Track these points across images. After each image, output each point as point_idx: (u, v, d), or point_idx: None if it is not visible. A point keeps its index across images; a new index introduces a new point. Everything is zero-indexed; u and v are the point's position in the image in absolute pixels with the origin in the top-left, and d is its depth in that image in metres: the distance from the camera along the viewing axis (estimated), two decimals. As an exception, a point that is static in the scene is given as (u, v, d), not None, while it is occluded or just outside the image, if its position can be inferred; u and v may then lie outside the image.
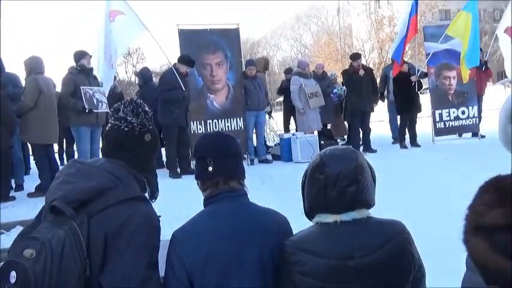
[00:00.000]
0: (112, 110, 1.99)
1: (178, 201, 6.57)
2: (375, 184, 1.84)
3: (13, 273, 1.57)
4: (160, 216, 1.88)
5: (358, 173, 1.73)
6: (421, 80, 9.92)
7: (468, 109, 10.05)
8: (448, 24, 10.31)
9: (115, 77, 10.75)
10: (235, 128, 8.54)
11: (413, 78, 9.44)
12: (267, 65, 10.51)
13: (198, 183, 1.99)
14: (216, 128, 8.39)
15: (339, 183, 1.72)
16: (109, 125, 1.98)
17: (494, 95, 17.60)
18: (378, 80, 11.43)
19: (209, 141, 2.01)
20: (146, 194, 1.99)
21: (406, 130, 9.70)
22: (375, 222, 1.76)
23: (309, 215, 1.84)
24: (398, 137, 10.07)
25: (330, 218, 1.74)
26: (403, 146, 9.56)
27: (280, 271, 1.81)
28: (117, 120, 1.94)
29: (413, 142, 9.65)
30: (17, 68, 7.22)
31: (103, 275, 1.69)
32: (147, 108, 1.99)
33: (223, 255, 1.78)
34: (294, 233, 1.91)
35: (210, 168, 1.90)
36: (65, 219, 1.68)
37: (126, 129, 1.92)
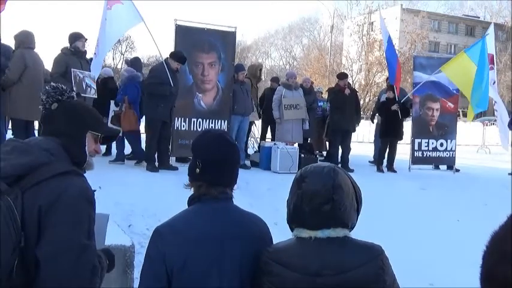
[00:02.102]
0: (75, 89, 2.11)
1: (150, 194, 6.56)
2: (359, 205, 1.85)
3: None
4: (95, 190, 1.92)
5: (334, 192, 1.73)
6: (410, 109, 10.10)
7: (447, 142, 10.24)
8: (438, 56, 10.57)
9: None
10: (219, 130, 8.54)
11: (393, 107, 9.62)
12: (260, 74, 10.42)
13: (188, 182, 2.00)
14: (199, 128, 8.36)
15: (313, 200, 1.73)
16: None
17: (471, 131, 17.95)
18: (362, 102, 11.62)
19: (205, 142, 1.98)
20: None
21: (386, 155, 9.84)
22: (352, 243, 1.77)
23: (290, 226, 1.86)
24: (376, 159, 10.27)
25: (305, 233, 1.76)
26: (380, 170, 9.69)
27: (254, 279, 1.83)
28: (41, 105, 2.05)
29: (390, 167, 9.79)
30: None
31: (38, 246, 1.71)
32: (56, 85, 2.07)
33: (204, 254, 1.79)
34: (272, 238, 1.95)
35: (198, 170, 1.91)
36: None
37: (40, 107, 2.04)
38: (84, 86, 6.83)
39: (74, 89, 6.67)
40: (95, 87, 7.03)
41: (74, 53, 6.90)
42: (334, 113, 9.78)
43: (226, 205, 1.92)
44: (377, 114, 11.09)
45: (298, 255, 1.75)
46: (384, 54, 11.17)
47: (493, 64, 10.24)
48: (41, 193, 1.75)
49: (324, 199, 1.72)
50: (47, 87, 2.08)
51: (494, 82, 9.96)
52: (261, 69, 10.66)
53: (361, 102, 19.33)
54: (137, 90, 8.20)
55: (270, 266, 1.77)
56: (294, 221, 1.82)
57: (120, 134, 7.63)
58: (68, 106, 2.05)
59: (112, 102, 8.15)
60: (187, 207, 1.95)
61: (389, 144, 9.81)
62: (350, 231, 1.80)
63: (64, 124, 2.00)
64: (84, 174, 1.98)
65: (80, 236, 1.76)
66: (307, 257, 1.73)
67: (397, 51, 34.76)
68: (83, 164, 2.03)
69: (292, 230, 1.84)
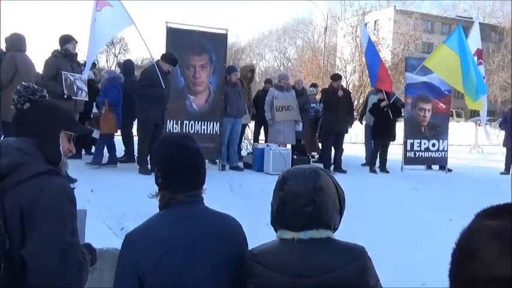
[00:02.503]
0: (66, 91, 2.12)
1: (143, 197, 6.53)
2: (342, 207, 1.85)
3: None
4: (74, 188, 1.94)
5: (316, 194, 1.74)
6: (402, 109, 10.13)
7: (439, 142, 10.28)
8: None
9: (95, 65, 10.65)
10: (211, 132, 8.54)
11: (383, 104, 9.67)
12: (252, 75, 10.37)
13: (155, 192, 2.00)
14: (192, 130, 8.35)
15: (296, 202, 1.74)
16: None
17: (464, 131, 18.04)
18: (355, 103, 11.66)
19: (162, 151, 1.95)
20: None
21: (378, 155, 9.87)
22: (334, 244, 1.78)
23: (274, 228, 1.87)
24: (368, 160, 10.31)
25: (288, 235, 1.77)
26: (373, 171, 9.72)
27: (239, 282, 1.83)
28: (12, 105, 2.06)
29: (383, 168, 9.82)
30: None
31: (24, 248, 1.73)
32: (28, 84, 2.09)
33: (174, 258, 1.79)
34: (247, 240, 1.96)
35: (160, 180, 1.91)
36: None
37: (12, 107, 2.05)
38: (75, 89, 6.81)
39: (65, 91, 6.66)
40: (86, 90, 7.01)
41: (65, 56, 6.87)
42: (327, 114, 9.80)
43: (195, 208, 1.91)
44: (365, 115, 11.14)
45: (281, 256, 1.76)
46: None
47: (482, 59, 10.27)
48: (21, 194, 1.76)
49: (305, 201, 1.74)
50: (18, 87, 2.09)
51: (484, 78, 10.00)
52: (252, 70, 10.58)
53: (355, 103, 19.37)
54: (118, 92, 8.16)
55: (254, 268, 1.78)
56: (277, 222, 1.83)
57: (97, 136, 7.64)
58: (40, 105, 2.06)
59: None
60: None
61: (381, 144, 9.84)
62: (333, 232, 1.81)
63: (37, 124, 2.01)
64: (78, 178, 1.99)
65: (63, 234, 1.78)
66: (290, 258, 1.74)
67: (390, 52, 34.90)
68: (58, 163, 2.03)
69: (276, 231, 1.85)
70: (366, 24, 40.16)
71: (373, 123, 10.03)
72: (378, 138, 9.82)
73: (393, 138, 10.02)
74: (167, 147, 1.96)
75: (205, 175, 1.98)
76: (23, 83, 2.10)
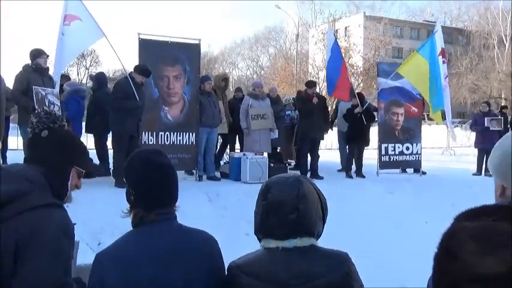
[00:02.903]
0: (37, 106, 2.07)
1: (120, 211, 6.46)
2: (324, 214, 1.86)
3: None
4: (75, 224, 1.88)
5: (299, 201, 1.75)
6: (375, 114, 10.26)
7: (412, 145, 10.44)
8: (400, 62, 10.85)
9: (69, 78, 10.50)
10: (187, 143, 8.50)
11: (356, 110, 9.77)
12: (226, 84, 10.30)
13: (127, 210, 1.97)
14: (167, 141, 8.30)
15: (279, 210, 1.75)
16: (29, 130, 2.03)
17: (435, 134, 18.35)
18: (329, 109, 11.76)
19: (133, 167, 1.93)
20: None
21: (353, 160, 9.97)
22: (318, 251, 1.79)
23: (257, 237, 1.87)
24: (344, 166, 10.40)
25: (272, 244, 1.77)
26: (349, 176, 9.80)
27: None
28: (30, 127, 2.01)
29: (359, 173, 9.92)
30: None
31: (14, 280, 1.67)
32: (51, 110, 2.04)
33: (144, 277, 1.75)
34: (227, 249, 1.95)
35: (132, 198, 1.89)
36: None
37: (29, 129, 1.99)
38: (46, 103, 6.71)
39: (36, 106, 6.56)
40: (59, 104, 6.92)
41: (36, 70, 6.78)
42: (302, 121, 9.86)
43: (167, 225, 1.88)
44: (335, 121, 11.26)
45: (266, 265, 1.76)
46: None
47: (445, 58, 10.55)
48: (19, 225, 1.70)
49: (289, 208, 1.74)
50: (39, 109, 2.03)
51: (447, 76, 10.24)
52: (225, 79, 10.51)
53: (329, 109, 19.50)
54: (78, 105, 8.05)
55: (239, 278, 1.78)
56: (261, 231, 1.83)
57: None
58: (58, 136, 2.01)
59: None
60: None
61: (356, 150, 9.94)
62: (317, 239, 1.82)
63: (51, 154, 1.95)
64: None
65: (57, 272, 1.72)
66: (275, 267, 1.74)
67: (361, 58, 35.32)
68: (64, 198, 1.98)
69: (259, 240, 1.85)
70: (337, 30, 40.72)
71: (348, 129, 10.13)
72: (353, 143, 9.93)
73: (367, 144, 10.14)
74: (138, 163, 1.93)
75: (177, 191, 1.96)
76: (45, 107, 2.03)
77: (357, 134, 9.80)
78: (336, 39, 10.93)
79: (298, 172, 8.37)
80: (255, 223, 1.84)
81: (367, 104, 10.14)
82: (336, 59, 10.34)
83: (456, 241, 0.94)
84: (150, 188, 1.87)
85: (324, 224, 1.87)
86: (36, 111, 1.99)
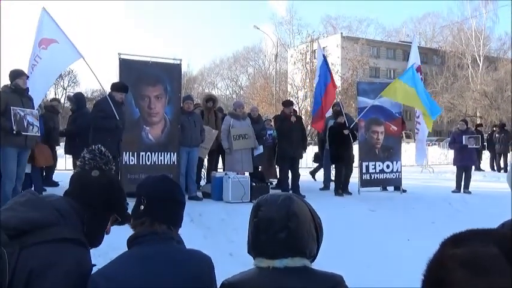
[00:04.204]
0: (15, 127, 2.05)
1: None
2: (319, 234, 1.83)
3: None
4: (94, 265, 1.83)
5: (289, 220, 1.72)
6: (356, 133, 10.35)
7: (392, 163, 10.54)
8: (379, 82, 11.04)
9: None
10: (168, 163, 8.43)
11: (345, 132, 9.83)
12: (214, 103, 10.19)
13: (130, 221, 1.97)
14: (148, 161, 8.23)
15: (269, 228, 1.73)
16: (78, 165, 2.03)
17: (414, 152, 18.55)
18: (308, 128, 11.83)
19: (151, 181, 2.00)
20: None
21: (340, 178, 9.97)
22: (311, 273, 1.75)
23: (251, 256, 1.85)
24: (327, 185, 10.43)
25: (264, 263, 1.75)
26: (339, 194, 9.79)
27: None
28: (80, 161, 2.02)
29: (345, 189, 9.96)
30: None
31: None
32: (105, 151, 2.01)
33: None
34: (213, 273, 1.94)
35: (142, 207, 1.89)
36: None
37: (79, 163, 1.98)
38: (25, 124, 6.60)
39: (14, 127, 6.45)
40: (38, 125, 6.82)
41: (14, 91, 6.68)
42: (281, 140, 9.90)
43: (166, 246, 1.88)
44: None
45: (257, 285, 1.73)
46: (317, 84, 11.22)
47: (421, 74, 10.84)
48: (37, 255, 1.65)
49: (279, 227, 1.72)
50: (94, 147, 1.99)
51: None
52: (210, 99, 10.31)
53: (308, 128, 19.69)
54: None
55: None
56: (253, 250, 1.80)
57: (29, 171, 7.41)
58: (109, 180, 1.99)
59: None
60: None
61: (344, 167, 9.96)
62: (311, 260, 1.79)
63: (97, 197, 1.92)
64: None
65: None
66: (266, 287, 1.71)
67: (339, 78, 35.75)
68: (96, 242, 1.96)
69: (254, 259, 1.83)
70: (315, 51, 41.25)
71: (332, 148, 10.08)
72: (337, 161, 9.96)
73: (352, 161, 10.22)
74: (156, 177, 2.03)
75: (182, 216, 2.01)
76: (102, 148, 1.99)
77: (341, 153, 9.81)
78: (324, 57, 11.01)
79: (279, 191, 8.36)
80: (248, 241, 1.82)
81: (353, 124, 10.19)
82: (325, 77, 10.46)
83: (445, 269, 0.94)
84: (165, 201, 1.92)
85: (318, 245, 1.83)
86: (91, 149, 1.96)
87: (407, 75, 9.98)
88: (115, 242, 1.97)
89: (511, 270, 0.88)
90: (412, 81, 9.73)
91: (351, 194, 9.93)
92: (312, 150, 12.30)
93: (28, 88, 6.82)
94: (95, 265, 1.83)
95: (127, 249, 1.90)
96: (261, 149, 9.85)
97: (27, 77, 6.85)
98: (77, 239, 1.78)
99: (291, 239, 1.72)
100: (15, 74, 6.76)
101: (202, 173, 10.64)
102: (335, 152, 9.96)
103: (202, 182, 10.19)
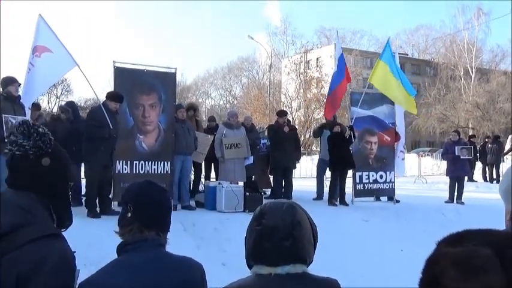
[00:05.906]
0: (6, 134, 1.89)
1: (92, 241, 6.30)
2: (315, 242, 1.87)
3: None
4: (75, 252, 1.79)
5: (294, 228, 1.74)
6: (354, 129, 10.33)
7: (386, 174, 10.57)
8: (372, 92, 11.12)
9: (39, 107, 10.34)
10: (162, 172, 8.40)
11: (347, 134, 9.81)
12: (195, 112, 10.27)
13: (118, 230, 1.94)
14: (142, 170, 8.20)
15: (274, 236, 1.73)
16: (4, 151, 1.83)
17: (407, 162, 18.62)
18: (302, 138, 11.85)
19: (137, 188, 1.97)
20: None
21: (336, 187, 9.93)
22: (310, 278, 1.78)
23: (248, 264, 1.84)
24: (320, 194, 10.41)
25: (264, 270, 1.75)
26: (333, 204, 9.77)
27: None
28: (9, 144, 1.78)
29: (342, 200, 9.94)
30: None
31: None
32: (41, 130, 1.80)
33: None
34: (204, 280, 1.94)
35: (129, 214, 1.88)
36: None
37: (18, 152, 1.77)
38: (18, 132, 6.58)
39: (5, 134, 6.42)
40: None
41: (6, 98, 6.66)
42: (274, 150, 9.90)
43: (156, 253, 1.88)
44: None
45: None
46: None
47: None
48: (19, 259, 1.61)
49: (284, 235, 1.73)
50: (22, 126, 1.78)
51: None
52: (191, 108, 10.27)
53: (302, 138, 19.75)
54: None
55: None
56: (253, 257, 1.80)
57: None
58: (62, 165, 1.87)
59: None
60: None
61: (339, 176, 9.93)
62: (308, 266, 1.81)
63: (57, 183, 1.83)
64: None
65: None
66: None
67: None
68: (67, 222, 1.88)
69: (250, 267, 1.82)
70: (309, 61, 41.44)
71: (331, 156, 10.00)
72: (336, 169, 9.90)
73: (353, 166, 10.06)
74: (141, 183, 2.00)
75: (170, 221, 1.99)
76: (29, 122, 1.81)
77: (341, 160, 9.79)
78: (342, 53, 11.14)
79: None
80: (247, 249, 1.82)
81: (351, 124, 10.16)
82: (340, 72, 10.59)
83: (438, 267, 0.95)
84: (152, 206, 1.91)
85: (314, 251, 1.86)
86: (21, 129, 1.79)
87: (386, 53, 10.18)
88: (107, 250, 1.95)
89: (503, 271, 0.89)
90: (388, 59, 9.99)
91: (347, 205, 9.90)
92: (305, 160, 12.30)
93: (20, 96, 6.80)
94: (75, 251, 1.79)
95: (117, 256, 1.90)
96: (251, 160, 9.84)
97: (19, 84, 6.84)
98: (52, 233, 1.73)
99: (295, 247, 1.74)
100: (7, 81, 6.75)
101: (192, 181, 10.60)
102: (334, 160, 9.86)
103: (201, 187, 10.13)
